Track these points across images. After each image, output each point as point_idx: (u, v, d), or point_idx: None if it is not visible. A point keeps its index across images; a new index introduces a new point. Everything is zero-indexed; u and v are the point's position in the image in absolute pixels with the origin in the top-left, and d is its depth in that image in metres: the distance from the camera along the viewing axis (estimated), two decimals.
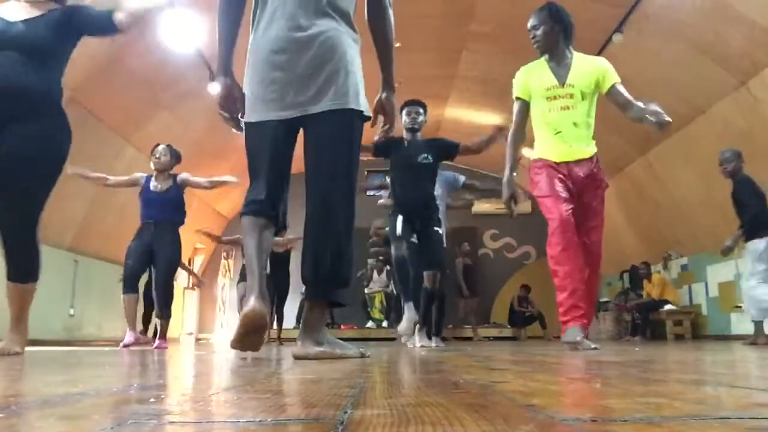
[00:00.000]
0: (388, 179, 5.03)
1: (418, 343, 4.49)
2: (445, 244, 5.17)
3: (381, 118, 2.48)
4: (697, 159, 7.52)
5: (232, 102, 2.28)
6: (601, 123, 8.79)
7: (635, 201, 9.48)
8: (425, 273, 4.44)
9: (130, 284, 4.81)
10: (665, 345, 5.35)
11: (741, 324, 7.42)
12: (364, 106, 2.17)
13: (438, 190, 4.83)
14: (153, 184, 5.10)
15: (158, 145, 5.22)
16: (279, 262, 7.25)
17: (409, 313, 4.54)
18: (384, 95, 2.43)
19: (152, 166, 5.13)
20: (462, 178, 5.50)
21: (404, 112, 4.69)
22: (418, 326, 4.56)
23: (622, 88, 3.41)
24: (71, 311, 7.37)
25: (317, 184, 2.10)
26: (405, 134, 4.66)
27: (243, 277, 6.43)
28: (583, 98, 3.48)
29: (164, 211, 5.05)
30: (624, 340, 8.40)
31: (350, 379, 1.32)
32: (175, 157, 5.23)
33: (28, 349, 3.56)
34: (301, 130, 2.19)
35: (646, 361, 2.19)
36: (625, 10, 6.22)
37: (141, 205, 5.12)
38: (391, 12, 2.35)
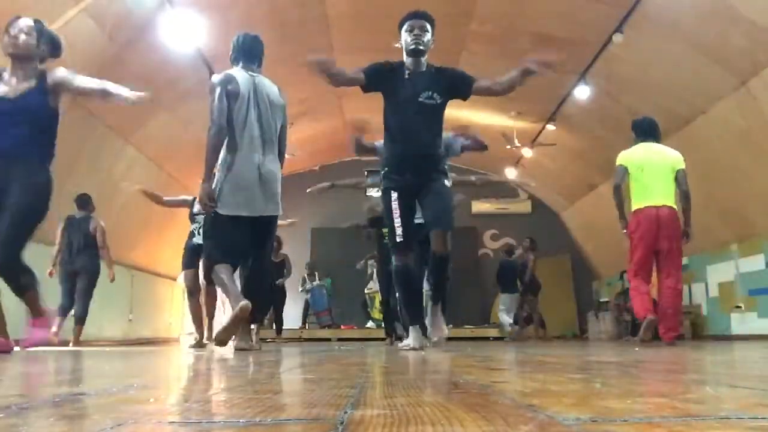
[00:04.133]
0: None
1: (434, 337, 3.48)
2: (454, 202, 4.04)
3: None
4: (697, 159, 7.51)
5: (210, 199, 3.39)
6: (602, 123, 8.79)
7: None
8: (432, 232, 3.40)
9: None
10: (665, 345, 5.34)
11: (741, 324, 7.42)
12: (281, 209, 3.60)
13: None
14: (3, 85, 3.08)
15: (19, 17, 3.18)
16: (274, 270, 7.71)
17: (415, 335, 3.48)
18: None
19: (6, 50, 3.14)
20: (460, 141, 4.31)
21: (404, 28, 3.43)
22: (429, 312, 3.68)
23: None
24: (71, 311, 7.36)
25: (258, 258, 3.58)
26: (406, 59, 3.45)
27: (187, 266, 5.79)
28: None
29: (16, 130, 3.04)
30: (624, 340, 8.39)
31: (350, 379, 1.32)
32: (49, 43, 3.24)
33: (28, 349, 3.56)
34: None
35: (646, 361, 2.19)
36: (625, 10, 6.21)
37: None
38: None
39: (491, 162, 10.94)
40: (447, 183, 3.52)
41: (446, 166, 3.70)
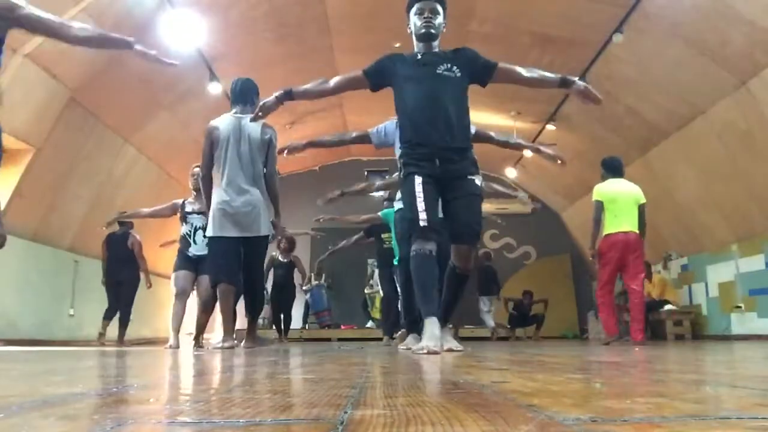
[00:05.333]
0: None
1: (444, 345, 2.91)
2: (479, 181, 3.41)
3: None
4: (697, 159, 7.52)
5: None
6: (602, 123, 8.79)
7: None
8: (454, 246, 2.97)
9: None
10: (665, 345, 5.35)
11: (741, 324, 7.42)
12: (267, 230, 4.11)
13: None
14: None
15: None
16: (283, 270, 8.13)
17: (431, 331, 2.88)
18: (274, 219, 4.25)
19: None
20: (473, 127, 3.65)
21: (413, 11, 3.11)
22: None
23: None
24: (71, 311, 7.36)
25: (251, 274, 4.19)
26: (416, 45, 3.12)
27: (179, 267, 5.35)
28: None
29: None
30: (624, 339, 8.39)
31: (350, 379, 1.32)
32: None
33: (27, 349, 3.56)
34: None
35: (645, 361, 2.19)
36: (625, 10, 6.22)
37: None
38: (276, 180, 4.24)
39: (491, 162, 10.93)
40: (478, 181, 3.03)
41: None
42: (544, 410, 0.74)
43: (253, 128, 4.08)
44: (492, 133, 4.01)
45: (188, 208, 5.49)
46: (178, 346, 5.11)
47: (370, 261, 10.34)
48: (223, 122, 4.14)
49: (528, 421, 0.66)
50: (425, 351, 2.66)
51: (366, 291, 10.35)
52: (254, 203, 4.00)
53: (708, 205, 7.71)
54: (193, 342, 5.24)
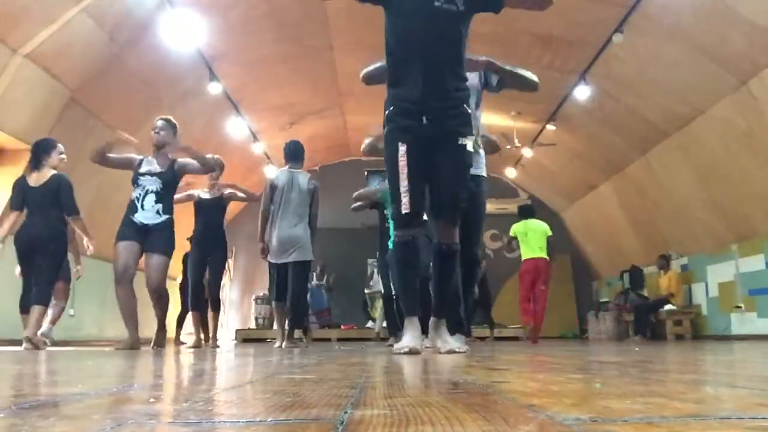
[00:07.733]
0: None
1: (441, 346, 2.67)
2: (484, 173, 3.12)
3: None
4: (697, 159, 7.51)
5: (263, 252, 5.07)
6: (602, 123, 8.78)
7: (635, 201, 9.47)
8: (435, 222, 2.73)
9: None
10: (665, 345, 5.35)
11: (741, 324, 7.42)
12: (306, 257, 5.02)
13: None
14: None
15: None
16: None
17: (412, 331, 2.68)
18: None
19: None
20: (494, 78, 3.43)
21: None
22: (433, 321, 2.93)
23: None
24: (71, 311, 7.35)
25: (293, 285, 5.02)
26: None
27: (123, 237, 4.26)
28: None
29: None
30: (631, 339, 8.38)
31: (350, 379, 1.32)
32: None
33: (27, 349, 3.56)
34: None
35: (645, 361, 2.19)
36: (625, 10, 6.21)
37: None
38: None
39: (491, 162, 10.93)
40: (470, 146, 2.67)
41: (477, 111, 2.82)
42: (544, 410, 0.74)
43: (302, 180, 5.16)
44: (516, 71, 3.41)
45: (143, 168, 4.46)
46: (136, 346, 4.09)
47: (370, 261, 10.33)
48: (281, 176, 5.23)
49: (528, 421, 0.66)
50: (406, 350, 2.49)
51: (366, 291, 10.34)
52: (298, 237, 5.04)
53: (708, 205, 7.71)
54: (153, 344, 4.44)
